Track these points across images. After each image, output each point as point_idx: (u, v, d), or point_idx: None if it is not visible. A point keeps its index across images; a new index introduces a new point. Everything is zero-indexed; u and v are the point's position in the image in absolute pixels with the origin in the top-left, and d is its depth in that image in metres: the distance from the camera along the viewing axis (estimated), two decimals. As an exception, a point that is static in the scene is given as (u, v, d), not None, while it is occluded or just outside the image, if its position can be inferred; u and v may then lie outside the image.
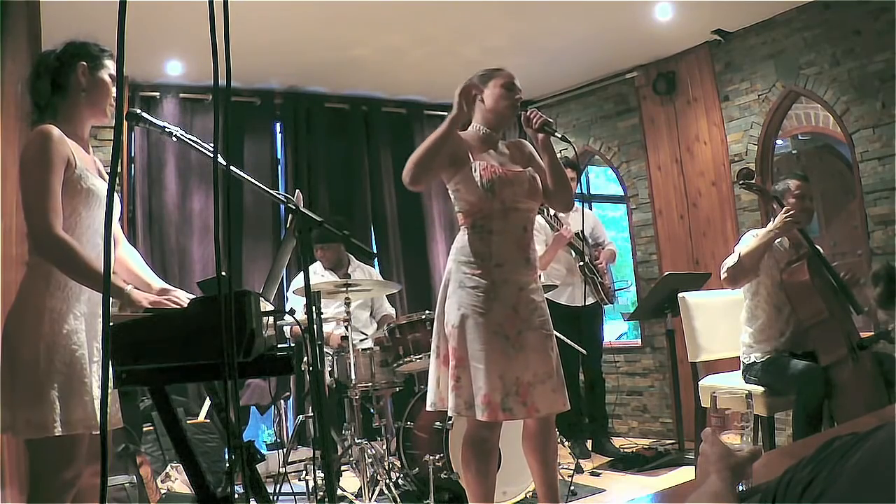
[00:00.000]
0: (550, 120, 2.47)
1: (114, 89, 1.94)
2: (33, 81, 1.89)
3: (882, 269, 1.17)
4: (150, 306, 1.76)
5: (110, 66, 1.94)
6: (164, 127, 1.87)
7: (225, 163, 1.49)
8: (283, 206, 1.96)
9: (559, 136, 2.44)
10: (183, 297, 1.90)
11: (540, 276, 2.53)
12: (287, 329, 4.02)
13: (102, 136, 4.28)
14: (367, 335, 4.21)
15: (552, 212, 4.07)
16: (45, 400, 1.69)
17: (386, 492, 3.25)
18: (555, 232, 4.09)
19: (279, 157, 5.20)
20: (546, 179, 2.48)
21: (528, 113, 2.44)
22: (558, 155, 2.56)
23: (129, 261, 2.08)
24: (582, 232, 4.19)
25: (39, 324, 1.74)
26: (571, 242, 4.16)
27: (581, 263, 4.22)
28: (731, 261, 3.13)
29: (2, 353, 1.75)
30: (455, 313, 2.29)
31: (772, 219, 3.23)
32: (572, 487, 3.51)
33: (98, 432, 1.80)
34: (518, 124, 2.54)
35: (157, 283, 2.05)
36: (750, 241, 3.15)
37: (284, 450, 3.67)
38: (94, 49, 1.92)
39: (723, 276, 3.15)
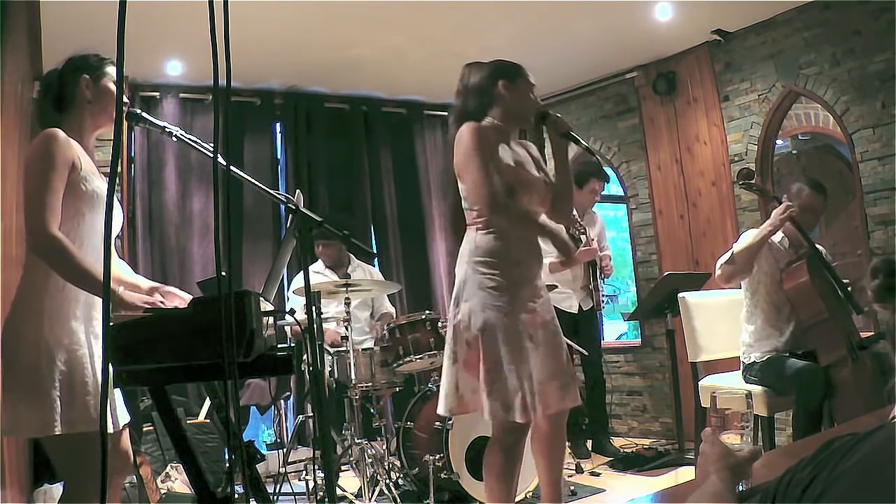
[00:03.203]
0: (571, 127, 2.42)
1: None
2: (40, 102, 1.92)
3: (881, 262, 1.17)
4: (142, 305, 1.76)
5: (113, 73, 1.95)
6: (164, 127, 1.87)
7: (225, 163, 1.49)
8: (283, 206, 1.97)
9: (585, 145, 2.42)
10: (177, 292, 1.92)
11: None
12: (287, 329, 4.03)
13: (102, 135, 4.27)
14: (367, 333, 4.22)
15: (579, 225, 4.09)
16: (47, 399, 1.69)
17: (386, 492, 3.25)
18: (582, 246, 4.10)
19: (279, 157, 5.20)
20: (552, 188, 2.43)
21: (553, 117, 2.40)
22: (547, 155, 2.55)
23: (118, 271, 2.09)
24: (594, 238, 4.21)
25: (39, 324, 1.74)
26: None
27: (594, 273, 4.26)
28: (724, 258, 3.13)
29: (2, 354, 1.76)
30: (479, 316, 2.21)
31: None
32: (572, 487, 3.51)
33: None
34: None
35: (146, 283, 2.05)
36: (745, 238, 3.15)
37: (284, 450, 3.67)
38: (94, 60, 1.93)
39: (717, 273, 3.15)
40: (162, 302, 1.85)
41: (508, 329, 2.21)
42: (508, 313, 2.22)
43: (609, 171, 5.17)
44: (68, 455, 1.75)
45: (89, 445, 1.73)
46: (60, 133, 1.80)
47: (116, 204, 1.99)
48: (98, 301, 1.81)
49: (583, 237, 4.12)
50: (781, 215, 3.07)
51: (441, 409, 2.31)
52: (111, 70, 1.94)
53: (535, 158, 2.48)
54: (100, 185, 1.89)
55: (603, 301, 4.37)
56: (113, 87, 1.94)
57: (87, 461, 1.73)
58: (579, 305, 4.30)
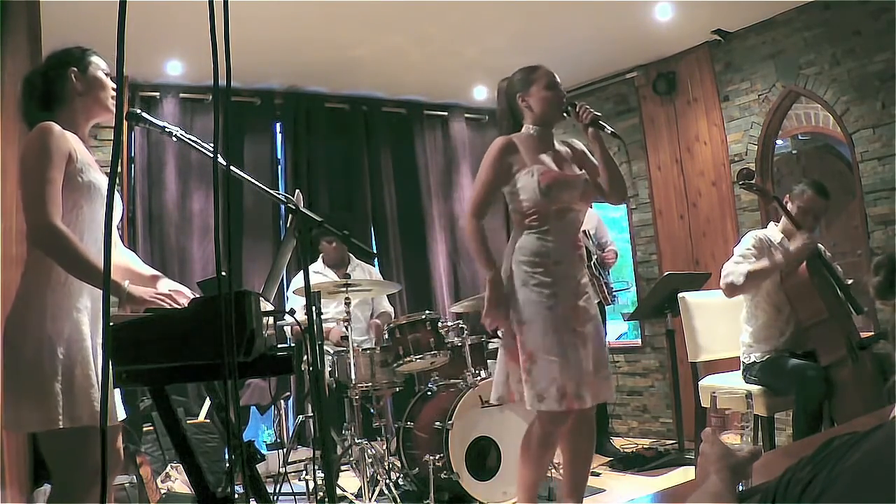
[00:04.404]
0: (599, 114, 2.49)
1: (108, 83, 1.95)
2: (25, 103, 1.90)
3: (885, 259, 1.18)
4: (150, 298, 1.76)
5: (98, 62, 1.95)
6: (164, 127, 1.87)
7: (225, 163, 1.49)
8: (283, 206, 1.97)
9: (609, 131, 2.46)
10: (180, 289, 1.91)
11: None
12: (287, 329, 4.02)
13: (102, 136, 4.28)
14: (367, 333, 4.22)
15: None
16: (50, 394, 1.69)
17: (386, 492, 3.25)
18: None
19: (279, 157, 5.20)
20: (598, 176, 2.54)
21: (579, 108, 2.49)
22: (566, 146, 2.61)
23: (127, 261, 2.08)
24: (587, 231, 4.20)
25: (41, 319, 1.74)
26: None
27: (589, 263, 4.23)
28: (735, 277, 3.06)
29: (3, 350, 1.75)
30: (522, 310, 2.36)
31: (772, 219, 3.22)
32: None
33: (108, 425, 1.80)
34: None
35: (150, 271, 2.04)
36: (762, 261, 3.06)
37: (284, 450, 3.67)
38: (77, 52, 1.93)
39: (723, 284, 3.11)
40: (172, 300, 1.83)
41: (549, 322, 2.32)
42: (551, 307, 2.34)
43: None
44: (63, 451, 1.74)
45: (85, 441, 1.72)
46: (55, 126, 1.79)
47: (116, 196, 1.99)
48: (101, 295, 1.80)
49: None
50: (803, 247, 3.04)
51: (492, 398, 2.50)
52: (96, 59, 1.95)
53: (579, 153, 2.60)
54: (97, 176, 1.88)
55: (612, 296, 4.34)
56: (101, 75, 1.94)
57: (81, 458, 1.72)
58: None
